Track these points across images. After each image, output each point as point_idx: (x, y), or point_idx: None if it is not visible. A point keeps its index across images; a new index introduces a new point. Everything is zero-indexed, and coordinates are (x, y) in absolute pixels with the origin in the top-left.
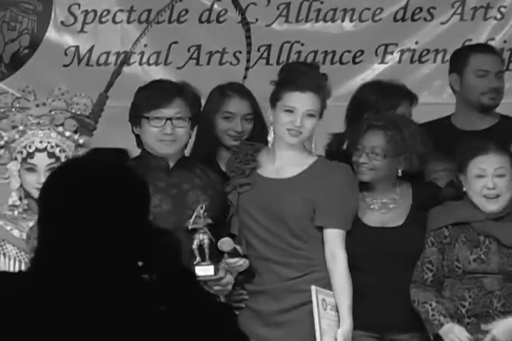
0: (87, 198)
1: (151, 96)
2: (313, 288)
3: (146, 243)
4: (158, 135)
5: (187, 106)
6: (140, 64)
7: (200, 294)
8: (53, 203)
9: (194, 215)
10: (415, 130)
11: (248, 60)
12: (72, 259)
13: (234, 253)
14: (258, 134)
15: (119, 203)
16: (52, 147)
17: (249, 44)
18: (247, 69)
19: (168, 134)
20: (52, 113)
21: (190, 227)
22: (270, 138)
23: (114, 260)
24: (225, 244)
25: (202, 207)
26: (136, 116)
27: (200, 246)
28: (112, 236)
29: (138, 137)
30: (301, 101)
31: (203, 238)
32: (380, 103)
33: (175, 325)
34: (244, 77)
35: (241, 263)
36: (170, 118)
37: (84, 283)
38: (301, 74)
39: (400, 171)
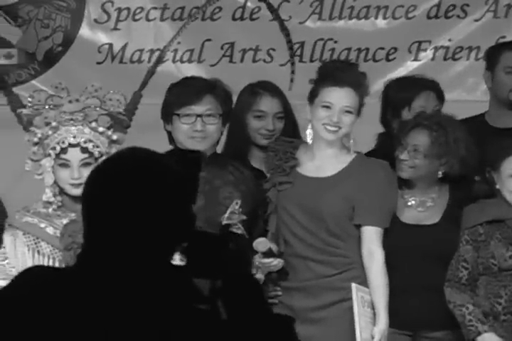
0: (129, 193)
1: (182, 93)
2: (353, 285)
3: (191, 237)
4: (188, 132)
5: (218, 102)
6: (173, 61)
7: (261, 304)
8: (96, 198)
9: (229, 211)
10: (461, 134)
11: (293, 63)
12: (118, 255)
13: (268, 254)
14: (289, 133)
15: (162, 197)
16: (85, 142)
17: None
18: (293, 72)
19: (198, 131)
20: (86, 110)
21: (224, 223)
22: (309, 135)
23: (158, 256)
24: (261, 244)
25: (237, 203)
26: (168, 113)
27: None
28: (154, 230)
29: (170, 134)
30: (338, 97)
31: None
32: (397, 96)
33: (234, 333)
34: (291, 80)
35: (275, 263)
36: (200, 115)
37: (129, 279)
38: (339, 71)
39: (440, 173)
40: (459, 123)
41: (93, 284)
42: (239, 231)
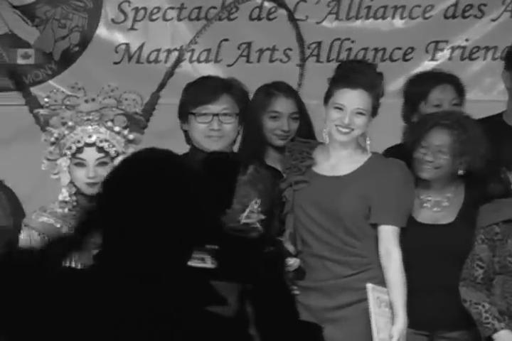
0: (147, 194)
1: (198, 93)
2: (369, 285)
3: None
4: (205, 131)
5: (234, 102)
6: (190, 61)
7: (290, 310)
8: (113, 199)
9: (248, 210)
10: (479, 132)
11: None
12: (134, 257)
13: (286, 253)
14: (304, 133)
15: (179, 198)
16: (101, 141)
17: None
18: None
19: (215, 130)
20: (102, 110)
21: (243, 222)
22: (325, 135)
23: (175, 257)
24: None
25: (256, 202)
26: (184, 112)
27: (255, 229)
28: (172, 231)
29: (186, 133)
30: (350, 98)
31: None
32: (414, 90)
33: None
34: (299, 85)
35: (291, 262)
36: (217, 114)
37: (145, 280)
38: (354, 72)
39: (461, 171)
40: (475, 121)
41: (109, 285)
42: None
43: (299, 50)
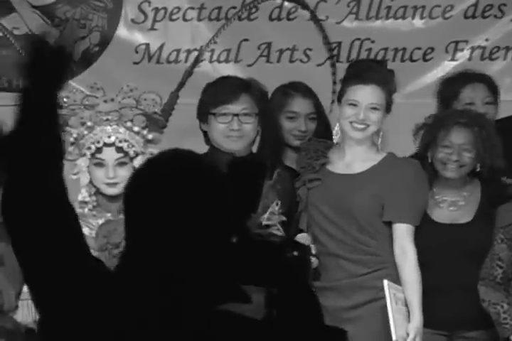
0: (171, 195)
1: (218, 93)
2: (385, 282)
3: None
4: (225, 131)
5: (254, 102)
6: (210, 61)
7: (315, 315)
8: (137, 200)
9: (269, 211)
10: (493, 128)
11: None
12: (159, 257)
13: (308, 250)
14: (322, 133)
15: (203, 199)
16: (120, 142)
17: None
18: (334, 83)
19: (234, 130)
20: (122, 110)
21: (263, 223)
22: (337, 134)
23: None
24: (303, 239)
25: (277, 204)
26: (204, 112)
27: (280, 237)
28: (196, 232)
29: (205, 133)
30: (364, 94)
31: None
32: (445, 90)
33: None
34: (334, 82)
35: (312, 261)
36: (237, 114)
37: (171, 281)
38: (365, 69)
39: (478, 168)
40: (488, 119)
41: (134, 286)
42: (278, 233)
43: (326, 49)
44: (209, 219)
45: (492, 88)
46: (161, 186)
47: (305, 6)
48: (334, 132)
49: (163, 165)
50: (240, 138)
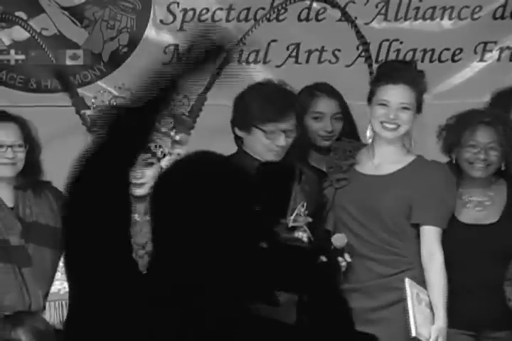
0: (198, 197)
1: (267, 109)
2: (406, 280)
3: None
4: (270, 145)
5: (295, 115)
6: (239, 62)
7: (346, 321)
8: (165, 202)
9: (295, 213)
10: None
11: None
12: (186, 260)
13: (341, 252)
14: (348, 133)
15: (231, 202)
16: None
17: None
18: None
19: (280, 146)
20: None
21: (290, 225)
22: (369, 135)
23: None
24: (339, 239)
25: (303, 206)
26: (248, 124)
27: (308, 243)
28: (224, 235)
29: (238, 137)
30: (394, 94)
31: (302, 236)
32: (497, 104)
33: None
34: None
35: (343, 264)
36: (285, 131)
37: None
38: (395, 69)
39: (503, 166)
40: (508, 116)
41: (165, 289)
42: (305, 234)
43: (363, 49)
44: (238, 223)
45: None
46: (189, 188)
47: (334, 5)
48: (367, 133)
49: (192, 167)
50: (282, 152)
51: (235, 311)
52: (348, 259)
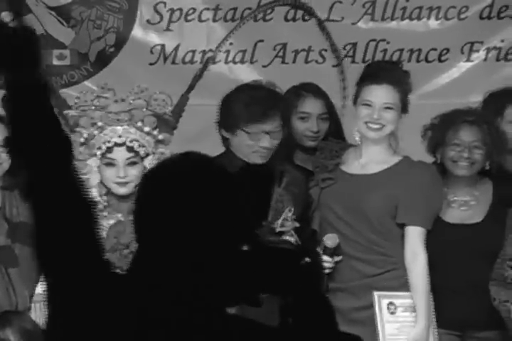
0: (182, 197)
1: (251, 111)
2: (375, 294)
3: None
4: (254, 147)
5: (280, 116)
6: (226, 62)
7: (330, 323)
8: (148, 202)
9: (282, 218)
10: (499, 125)
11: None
12: (170, 261)
13: (331, 252)
14: (334, 133)
15: (215, 202)
16: (131, 141)
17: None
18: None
19: (264, 147)
20: (132, 111)
21: (277, 230)
22: (355, 134)
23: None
24: (331, 239)
25: (290, 210)
26: (232, 125)
27: (291, 244)
28: (207, 236)
29: (224, 138)
30: (378, 94)
31: (289, 241)
32: (489, 107)
33: None
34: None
35: (329, 266)
36: (268, 133)
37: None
38: (379, 69)
39: (487, 165)
40: (493, 116)
41: (145, 291)
42: (292, 239)
43: (332, 49)
44: (220, 224)
45: None
46: (172, 189)
47: (311, 14)
48: (354, 134)
49: (176, 168)
50: (268, 153)
51: (218, 313)
52: (338, 259)
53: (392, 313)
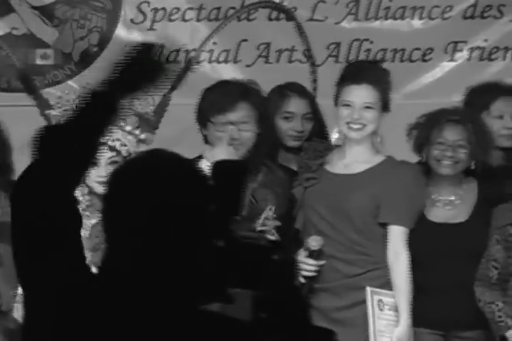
0: (147, 194)
1: (216, 101)
2: (368, 289)
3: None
4: (223, 139)
5: (252, 108)
6: (209, 62)
7: (303, 317)
8: (115, 199)
9: (263, 217)
10: (485, 124)
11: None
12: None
13: (316, 254)
14: (318, 133)
15: (182, 199)
16: (113, 141)
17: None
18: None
19: (233, 139)
20: None
21: (258, 229)
22: (337, 136)
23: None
24: (314, 241)
25: (271, 209)
26: (202, 119)
27: (265, 240)
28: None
29: (205, 137)
30: (357, 94)
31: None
32: (475, 102)
33: None
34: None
35: (312, 269)
36: (235, 123)
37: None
38: (357, 69)
39: (473, 164)
40: (479, 115)
41: (117, 289)
42: (273, 238)
43: (305, 49)
44: (191, 220)
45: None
46: (141, 186)
47: (291, 17)
48: (334, 135)
49: (144, 165)
50: (240, 146)
51: (189, 309)
52: (322, 263)
53: (381, 310)
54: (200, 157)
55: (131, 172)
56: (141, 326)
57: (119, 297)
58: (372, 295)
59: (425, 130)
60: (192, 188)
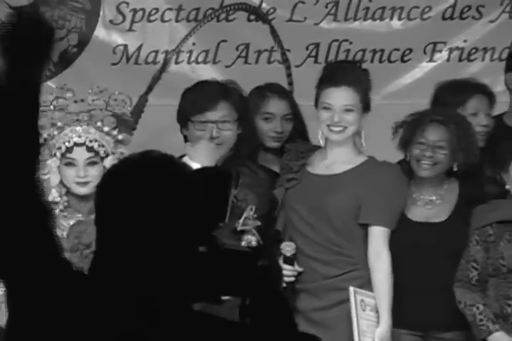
0: (141, 196)
1: (196, 100)
2: (351, 288)
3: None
4: (203, 139)
5: (233, 107)
6: (188, 62)
7: (288, 323)
8: (108, 202)
9: (243, 217)
10: (470, 126)
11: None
12: (130, 261)
13: (291, 260)
14: (298, 134)
15: (173, 201)
16: (90, 141)
17: (290, 83)
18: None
19: (214, 138)
20: (92, 111)
21: (239, 229)
22: (320, 137)
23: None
24: (289, 247)
25: (251, 209)
26: (183, 118)
27: (247, 248)
28: (167, 235)
29: (186, 137)
30: (336, 96)
31: (250, 240)
32: (448, 99)
33: None
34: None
35: (291, 274)
36: (215, 122)
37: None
38: (336, 71)
39: (455, 166)
40: (464, 117)
41: (106, 290)
42: (254, 238)
43: (281, 52)
44: (177, 224)
45: (492, 101)
46: (131, 188)
47: (265, 21)
48: (319, 137)
49: (135, 167)
50: (220, 146)
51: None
52: (299, 269)
53: (363, 310)
54: (183, 156)
55: (122, 174)
56: (129, 326)
57: (110, 297)
58: (355, 295)
59: (410, 129)
60: (180, 192)
